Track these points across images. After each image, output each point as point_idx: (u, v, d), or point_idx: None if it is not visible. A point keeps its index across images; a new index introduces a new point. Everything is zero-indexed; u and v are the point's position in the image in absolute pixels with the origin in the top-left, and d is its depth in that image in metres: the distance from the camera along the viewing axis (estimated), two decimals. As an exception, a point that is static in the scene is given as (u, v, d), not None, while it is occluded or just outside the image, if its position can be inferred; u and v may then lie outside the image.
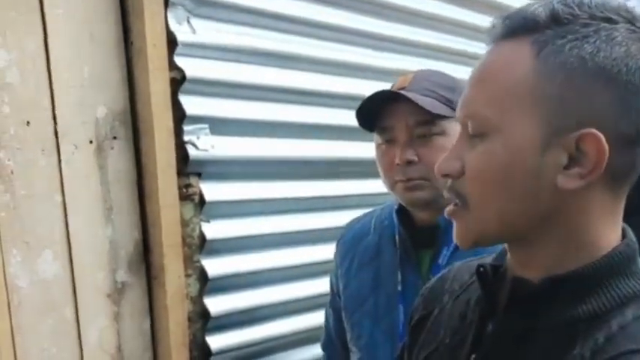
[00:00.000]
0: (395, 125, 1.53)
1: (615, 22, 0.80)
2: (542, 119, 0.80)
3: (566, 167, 0.80)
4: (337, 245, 1.83)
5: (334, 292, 1.84)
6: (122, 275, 1.99)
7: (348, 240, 1.79)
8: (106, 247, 1.94)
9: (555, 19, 0.80)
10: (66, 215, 1.85)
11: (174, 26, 1.98)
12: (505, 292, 0.91)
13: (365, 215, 1.83)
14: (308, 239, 2.41)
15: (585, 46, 0.78)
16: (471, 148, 0.85)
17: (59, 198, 1.84)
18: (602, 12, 0.80)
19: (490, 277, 0.93)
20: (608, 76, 0.78)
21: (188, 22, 2.01)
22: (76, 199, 1.87)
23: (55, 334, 1.86)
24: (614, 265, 0.83)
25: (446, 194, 0.90)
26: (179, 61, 2.00)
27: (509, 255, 0.93)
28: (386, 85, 1.66)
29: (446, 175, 0.88)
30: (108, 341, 1.97)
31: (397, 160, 1.52)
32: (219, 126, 2.12)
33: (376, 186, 2.39)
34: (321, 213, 2.46)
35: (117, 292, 1.98)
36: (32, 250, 1.79)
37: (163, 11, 1.96)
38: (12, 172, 1.74)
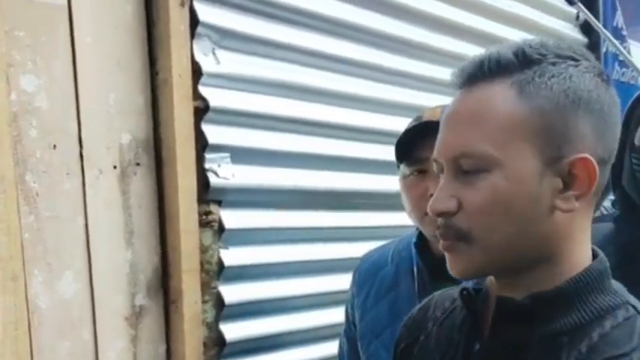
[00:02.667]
0: (429, 157, 1.55)
1: (578, 60, 0.89)
2: (536, 150, 0.87)
3: (562, 191, 0.88)
4: (354, 275, 1.85)
5: (349, 321, 1.85)
6: (140, 299, 2.01)
7: (365, 270, 1.80)
8: (126, 271, 1.97)
9: (527, 60, 0.88)
10: (88, 238, 1.88)
11: (199, 57, 2.03)
12: (489, 311, 0.96)
13: (382, 247, 1.85)
14: (324, 268, 2.43)
15: (563, 81, 0.87)
16: (465, 184, 0.90)
17: (82, 221, 1.87)
18: (563, 52, 0.89)
19: (474, 298, 0.99)
20: (586, 106, 0.87)
21: (213, 53, 2.06)
22: (98, 222, 1.90)
23: (73, 355, 1.87)
24: (590, 282, 0.90)
25: (441, 233, 0.94)
26: (203, 90, 2.04)
27: (489, 278, 0.98)
28: (406, 120, 1.69)
29: (441, 214, 0.92)
30: (124, 364, 1.99)
31: (431, 191, 1.52)
32: (240, 155, 2.15)
33: (392, 218, 2.43)
34: (337, 243, 2.48)
35: (135, 316, 2.00)
36: (54, 271, 1.81)
37: (189, 42, 2.01)
38: (37, 194, 1.77)
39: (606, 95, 0.89)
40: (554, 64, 0.88)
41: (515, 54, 0.89)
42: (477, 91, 0.91)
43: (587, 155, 0.86)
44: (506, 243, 0.89)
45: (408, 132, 1.59)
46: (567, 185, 0.87)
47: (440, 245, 0.96)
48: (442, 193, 0.92)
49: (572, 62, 0.88)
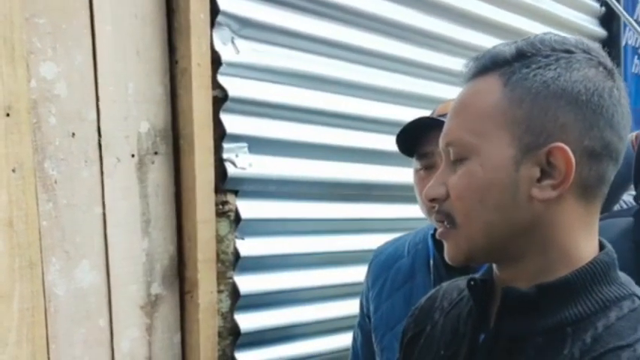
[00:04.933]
0: (435, 151, 1.55)
1: (573, 52, 0.90)
2: (514, 139, 0.89)
3: (539, 180, 0.89)
4: (369, 267, 1.85)
5: (363, 313, 1.85)
6: (156, 288, 2.02)
7: (381, 262, 1.80)
8: (142, 260, 1.98)
9: (520, 55, 0.91)
10: (105, 226, 1.89)
11: (219, 46, 2.03)
12: (495, 303, 0.98)
13: (398, 239, 1.85)
14: (340, 260, 2.43)
15: (547, 72, 0.89)
16: (453, 172, 0.94)
17: (99, 209, 1.88)
18: (561, 45, 0.91)
19: (480, 289, 1.01)
20: (569, 97, 0.88)
21: (232, 42, 2.06)
22: (116, 210, 1.91)
23: (89, 342, 1.89)
24: (596, 273, 0.91)
25: (435, 218, 0.98)
26: (222, 80, 2.04)
27: (495, 270, 1.00)
28: (423, 112, 1.69)
29: (433, 200, 0.97)
30: (139, 352, 2.00)
31: None
32: (258, 145, 2.16)
33: (408, 211, 2.42)
34: (353, 235, 2.48)
35: (150, 305, 2.01)
36: (71, 259, 1.82)
37: (209, 31, 2.00)
38: (55, 182, 1.78)
39: (602, 86, 0.89)
40: (546, 56, 0.90)
41: (511, 49, 0.92)
42: (471, 84, 0.96)
43: (562, 144, 0.87)
44: (486, 229, 0.92)
45: (405, 129, 1.60)
46: (545, 174, 0.89)
47: (437, 234, 1.00)
48: (435, 181, 0.97)
49: (564, 54, 0.90)
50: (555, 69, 0.89)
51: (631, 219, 1.66)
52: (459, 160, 0.93)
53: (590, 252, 0.93)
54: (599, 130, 0.89)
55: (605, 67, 0.91)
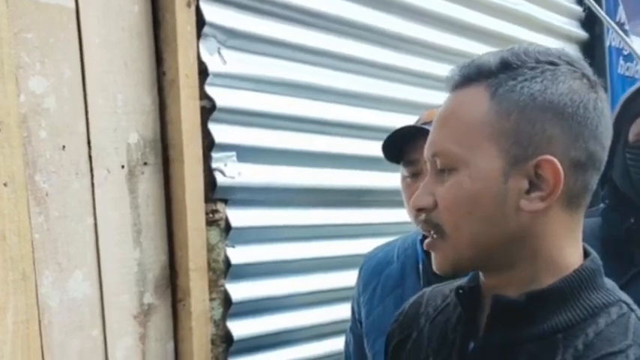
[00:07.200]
0: (420, 159, 1.57)
1: (557, 65, 0.91)
2: (502, 151, 0.90)
3: (528, 192, 0.90)
4: (359, 273, 1.87)
5: (355, 318, 1.87)
6: (149, 297, 2.03)
7: (371, 268, 1.82)
8: (134, 269, 1.99)
9: (506, 66, 0.92)
10: (97, 237, 1.90)
11: (205, 57, 2.04)
12: (484, 310, 0.99)
13: (387, 244, 1.87)
14: (330, 266, 2.45)
15: (534, 85, 0.90)
16: (440, 182, 0.95)
17: (91, 220, 1.89)
18: (545, 57, 0.92)
19: (468, 297, 1.02)
20: (556, 109, 0.89)
21: (219, 53, 2.08)
22: (107, 221, 1.92)
23: (83, 353, 1.89)
24: (583, 280, 0.93)
25: (422, 227, 1.00)
26: (210, 90, 2.06)
27: (482, 277, 1.01)
28: (411, 117, 1.71)
29: (420, 210, 0.98)
30: (133, 362, 2.01)
31: None
32: (246, 154, 2.17)
33: (397, 215, 2.44)
34: (344, 240, 2.50)
35: (143, 314, 2.02)
36: (64, 270, 1.83)
37: (196, 43, 2.02)
38: (47, 195, 1.79)
39: (587, 98, 0.91)
40: (531, 68, 0.91)
41: (496, 60, 0.93)
42: (457, 94, 0.96)
43: (550, 157, 0.88)
44: (474, 239, 0.93)
45: (390, 138, 1.63)
46: (534, 186, 0.90)
47: (425, 244, 1.01)
48: (422, 191, 0.98)
49: (549, 66, 0.91)
50: (542, 81, 0.90)
51: (599, 218, 1.69)
52: (446, 171, 0.94)
53: (576, 259, 0.95)
54: (584, 142, 0.90)
55: (588, 79, 0.93)
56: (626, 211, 1.62)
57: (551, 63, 0.92)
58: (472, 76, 0.94)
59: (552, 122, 0.89)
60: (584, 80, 0.92)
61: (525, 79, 0.90)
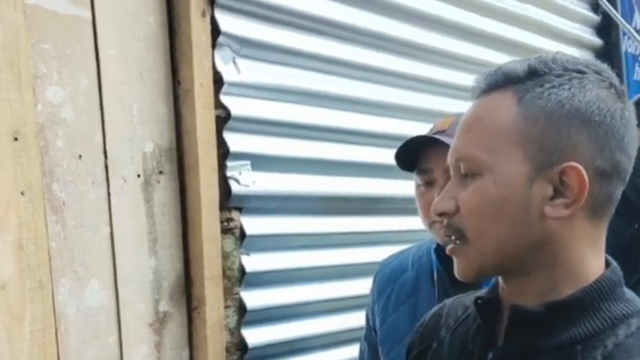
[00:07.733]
0: (434, 168, 1.58)
1: (585, 73, 0.91)
2: (527, 157, 0.90)
3: (552, 198, 0.90)
4: (374, 280, 1.87)
5: (370, 326, 1.87)
6: (164, 305, 2.04)
7: (386, 276, 1.82)
8: (150, 278, 2.00)
9: (533, 73, 0.92)
10: (113, 246, 1.92)
11: (220, 66, 2.06)
12: (503, 320, 0.98)
13: (402, 252, 1.87)
14: (345, 273, 2.46)
15: (561, 92, 0.89)
16: (463, 187, 0.94)
17: (107, 229, 1.90)
18: (573, 65, 0.91)
19: (487, 307, 1.01)
20: (583, 117, 0.89)
21: (234, 62, 2.09)
22: (123, 230, 1.94)
23: (99, 361, 1.91)
24: (603, 290, 0.92)
25: (444, 232, 0.99)
26: (225, 99, 2.07)
27: (502, 286, 1.01)
28: (424, 125, 1.71)
29: (442, 214, 0.97)
30: (149, 370, 2.02)
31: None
32: (261, 162, 2.18)
33: (412, 223, 2.44)
34: (358, 248, 2.51)
35: (159, 322, 2.03)
36: (80, 279, 1.85)
37: (211, 52, 2.04)
38: (64, 204, 1.81)
39: (614, 107, 0.90)
40: (558, 76, 0.91)
41: (523, 67, 0.93)
42: (483, 100, 0.96)
43: (576, 164, 0.88)
44: (497, 245, 0.93)
45: (403, 147, 1.63)
46: (559, 193, 0.90)
47: (447, 250, 1.00)
48: (444, 195, 0.97)
49: (576, 74, 0.91)
50: (569, 89, 0.89)
51: None
52: (469, 176, 0.94)
53: (597, 269, 0.94)
54: (610, 151, 0.90)
55: (615, 89, 0.92)
56: (631, 216, 1.62)
57: (579, 71, 0.91)
58: (499, 82, 0.94)
59: (579, 130, 0.89)
60: (612, 90, 0.92)
61: (553, 86, 0.90)
